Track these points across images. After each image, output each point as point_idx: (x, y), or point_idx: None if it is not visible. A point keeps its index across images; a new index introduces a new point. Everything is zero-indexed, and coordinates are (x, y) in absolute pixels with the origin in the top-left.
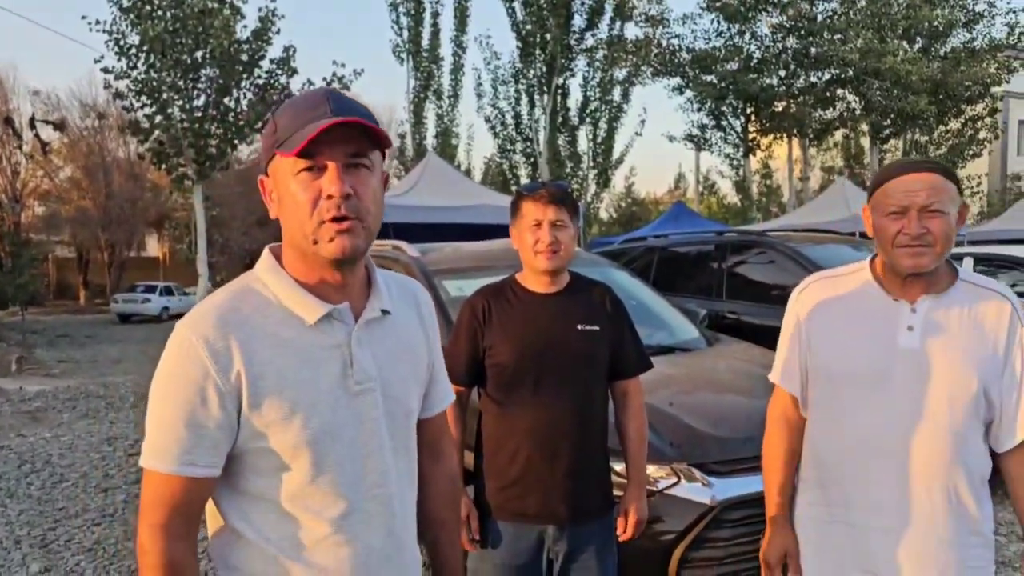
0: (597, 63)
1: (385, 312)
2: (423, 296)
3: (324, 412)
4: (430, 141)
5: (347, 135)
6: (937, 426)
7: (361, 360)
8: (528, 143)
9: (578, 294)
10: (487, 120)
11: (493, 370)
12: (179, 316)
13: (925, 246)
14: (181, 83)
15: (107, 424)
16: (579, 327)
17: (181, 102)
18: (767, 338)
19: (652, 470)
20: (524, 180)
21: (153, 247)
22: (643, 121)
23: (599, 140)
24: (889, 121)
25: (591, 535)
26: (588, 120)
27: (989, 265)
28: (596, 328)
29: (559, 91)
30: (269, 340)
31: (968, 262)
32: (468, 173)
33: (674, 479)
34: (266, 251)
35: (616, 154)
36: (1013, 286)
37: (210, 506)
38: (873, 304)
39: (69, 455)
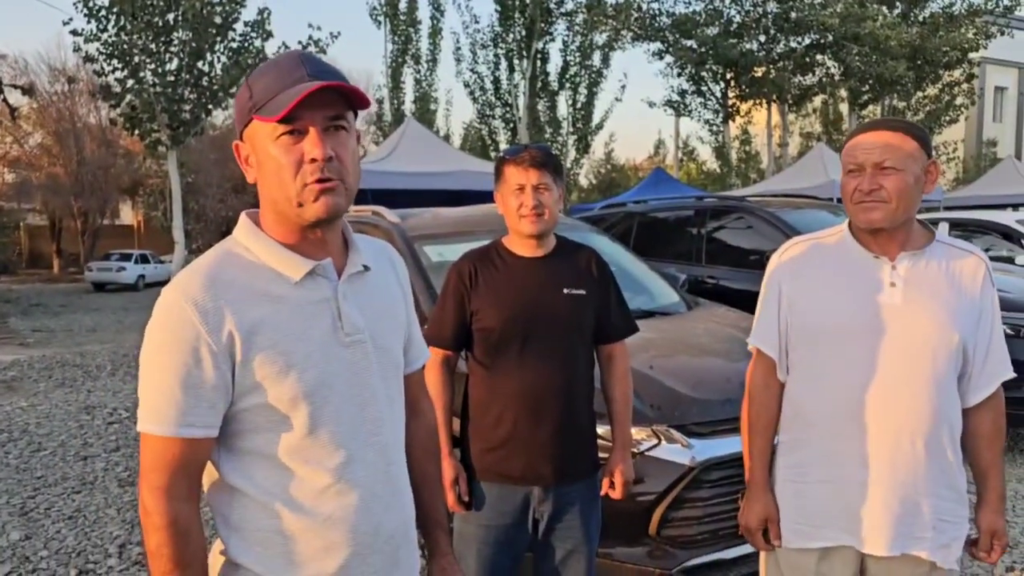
0: (577, 27)
1: (366, 267)
2: (397, 258)
3: (318, 364)
4: (408, 106)
5: (326, 98)
6: (921, 379)
7: (349, 313)
8: (507, 108)
9: (564, 258)
10: (466, 85)
11: (480, 334)
12: (155, 285)
13: (878, 201)
14: (153, 46)
15: (84, 393)
16: (565, 291)
17: (153, 66)
18: (746, 302)
19: (633, 432)
20: (504, 146)
21: (127, 215)
22: (623, 86)
23: (579, 105)
24: (867, 87)
25: (576, 496)
26: (568, 85)
27: (964, 230)
28: (583, 292)
29: (538, 56)
30: (258, 298)
31: (943, 227)
32: (447, 139)
33: (654, 441)
34: (243, 216)
35: (596, 120)
36: (987, 250)
37: (208, 466)
38: (855, 262)
39: (47, 424)
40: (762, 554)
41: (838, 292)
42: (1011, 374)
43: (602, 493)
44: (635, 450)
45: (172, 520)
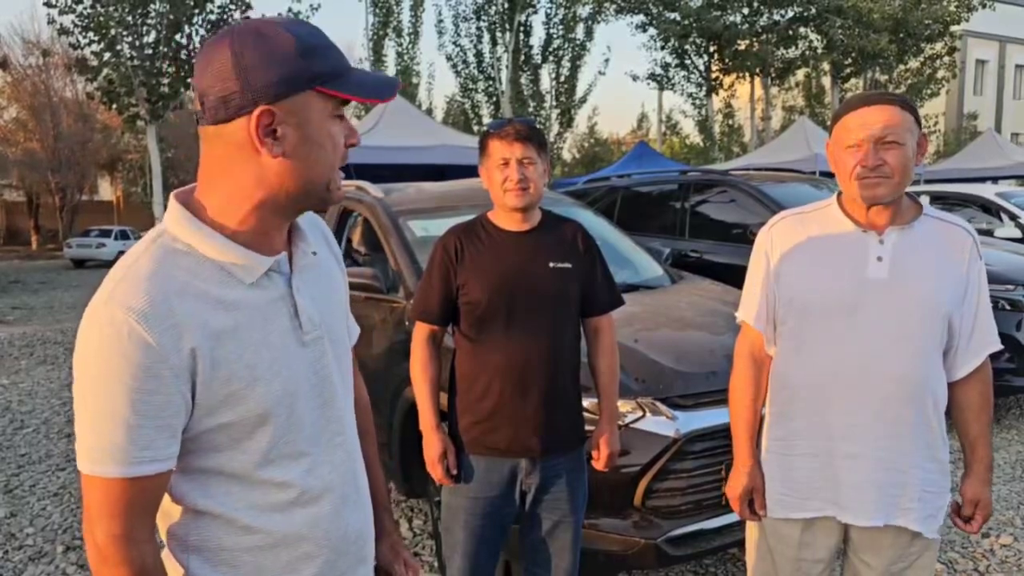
0: None
1: (314, 253)
2: (327, 230)
3: (282, 371)
4: None
5: None
6: (906, 352)
7: (306, 308)
8: (490, 82)
9: (550, 231)
10: (448, 58)
11: (466, 308)
12: None
13: (882, 177)
14: (130, 18)
15: (66, 370)
16: (551, 264)
17: (130, 39)
18: (729, 275)
19: (618, 404)
20: (486, 120)
21: (106, 190)
22: (607, 60)
23: (562, 79)
24: (850, 60)
25: (562, 468)
26: (551, 58)
27: (945, 203)
28: (568, 265)
29: (521, 28)
30: (215, 306)
31: (924, 201)
32: (430, 113)
33: (639, 413)
34: (175, 204)
35: (579, 93)
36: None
37: None
38: (842, 237)
39: (29, 401)
40: (748, 523)
41: (824, 266)
42: (998, 347)
43: (592, 464)
44: (620, 422)
45: (140, 568)
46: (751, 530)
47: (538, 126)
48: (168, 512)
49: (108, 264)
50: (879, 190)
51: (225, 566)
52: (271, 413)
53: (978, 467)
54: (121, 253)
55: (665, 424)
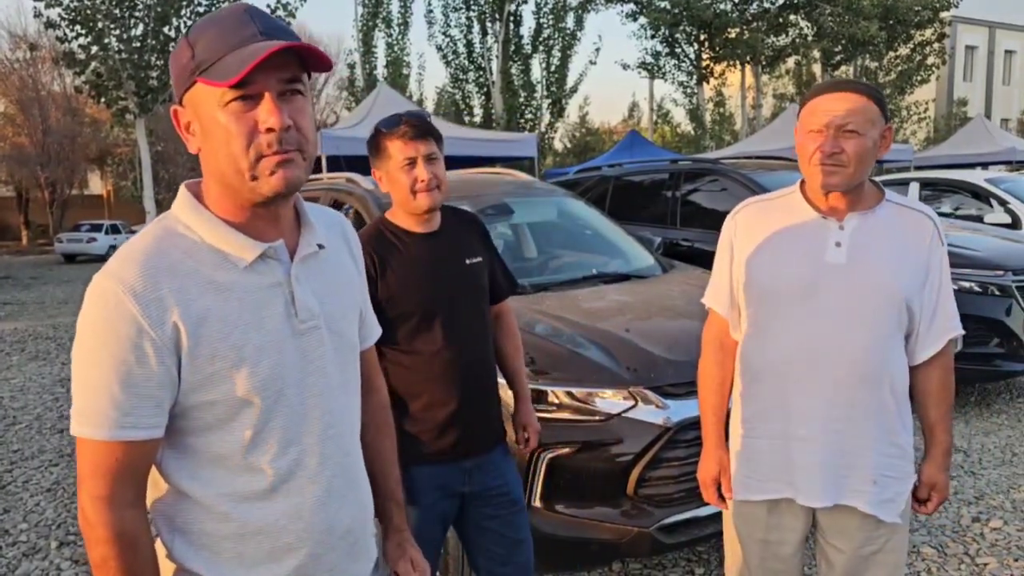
0: None
1: (320, 246)
2: (350, 231)
3: (271, 355)
4: (380, 71)
5: (281, 60)
6: (862, 339)
7: (303, 297)
8: (481, 72)
9: (456, 228)
10: (439, 49)
11: (397, 321)
12: None
13: (838, 165)
14: (117, 11)
15: (59, 366)
16: (467, 261)
17: (118, 31)
18: None
19: (610, 394)
20: (477, 110)
21: (96, 185)
22: (597, 49)
23: (552, 69)
24: (840, 47)
25: (498, 457)
26: (541, 48)
27: (935, 189)
28: (479, 259)
29: (511, 18)
30: (205, 285)
31: (914, 187)
32: (420, 104)
33: (631, 402)
34: (183, 190)
35: (570, 83)
36: (957, 209)
37: None
38: (802, 223)
39: (21, 397)
40: (724, 512)
41: (784, 252)
42: (959, 332)
43: (519, 446)
44: (612, 412)
45: (118, 532)
46: (725, 518)
47: (528, 117)
48: (158, 491)
49: (99, 259)
50: (834, 178)
51: (207, 551)
52: (257, 395)
53: (935, 451)
54: (112, 247)
55: (656, 413)
